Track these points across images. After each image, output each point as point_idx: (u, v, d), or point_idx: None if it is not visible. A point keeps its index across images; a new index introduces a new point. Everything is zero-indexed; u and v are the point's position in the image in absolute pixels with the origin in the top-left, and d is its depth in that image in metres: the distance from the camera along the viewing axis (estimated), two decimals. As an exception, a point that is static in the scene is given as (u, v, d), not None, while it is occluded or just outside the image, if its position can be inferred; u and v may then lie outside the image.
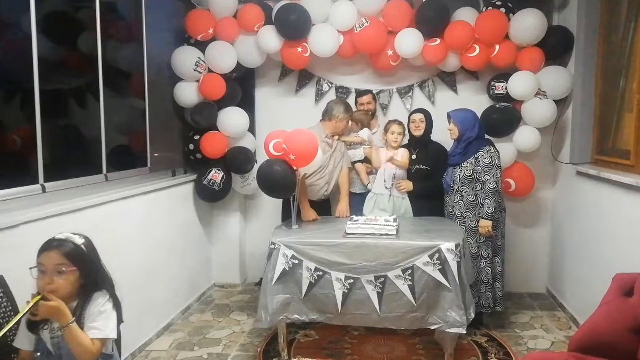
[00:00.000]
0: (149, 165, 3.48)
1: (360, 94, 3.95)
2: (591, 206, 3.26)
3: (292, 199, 3.22)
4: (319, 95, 4.22)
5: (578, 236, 3.48)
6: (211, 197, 3.91)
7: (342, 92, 4.20)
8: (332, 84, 4.22)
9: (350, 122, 3.65)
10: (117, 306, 1.73)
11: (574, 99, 3.51)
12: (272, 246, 2.91)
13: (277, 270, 2.86)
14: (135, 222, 3.13)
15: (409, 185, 3.53)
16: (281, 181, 3.06)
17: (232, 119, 3.85)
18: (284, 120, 3.92)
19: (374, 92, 4.06)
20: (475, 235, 3.34)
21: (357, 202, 3.80)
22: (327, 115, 3.60)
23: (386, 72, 4.09)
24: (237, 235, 4.37)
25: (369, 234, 2.92)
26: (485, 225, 3.24)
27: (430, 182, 3.55)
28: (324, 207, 3.72)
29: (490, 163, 3.26)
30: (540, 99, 3.55)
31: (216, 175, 3.83)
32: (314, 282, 2.84)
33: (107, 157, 2.98)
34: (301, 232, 3.09)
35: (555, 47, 3.56)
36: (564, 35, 3.55)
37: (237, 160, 3.85)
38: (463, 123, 3.35)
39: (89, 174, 2.85)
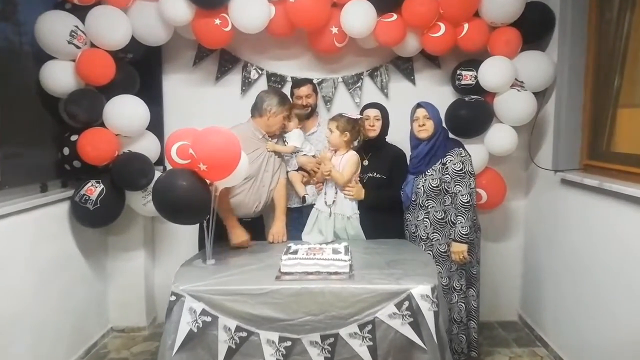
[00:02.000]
0: (-2, 179, 2.44)
1: (297, 83, 3.12)
2: (582, 221, 2.65)
3: (206, 224, 2.34)
4: (246, 84, 3.35)
5: (560, 255, 2.87)
6: (86, 219, 2.85)
7: (275, 80, 3.35)
8: (262, 70, 3.35)
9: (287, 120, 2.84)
10: None
11: (557, 91, 2.89)
12: (173, 298, 2.01)
13: (180, 333, 1.97)
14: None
15: (359, 192, 2.74)
16: (186, 201, 2.16)
17: (123, 109, 2.85)
18: (201, 116, 3.10)
19: (315, 81, 3.25)
20: (445, 262, 2.63)
21: (294, 220, 3.00)
22: (256, 109, 2.76)
23: (330, 57, 3.30)
24: (141, 265, 3.40)
25: (312, 273, 2.11)
26: (460, 250, 2.54)
27: (385, 194, 2.81)
28: (256, 227, 2.88)
29: (461, 170, 2.56)
30: (518, 90, 2.90)
31: (91, 190, 2.80)
32: (234, 347, 1.98)
33: None
34: (217, 271, 2.21)
35: (533, 27, 2.92)
36: (543, 12, 2.92)
37: (126, 170, 2.84)
38: (437, 117, 2.66)
39: None
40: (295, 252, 2.28)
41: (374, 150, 2.87)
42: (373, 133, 2.83)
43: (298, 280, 2.06)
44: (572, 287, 2.74)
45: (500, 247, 3.48)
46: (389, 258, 2.35)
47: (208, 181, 2.24)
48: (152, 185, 2.74)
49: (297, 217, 3.00)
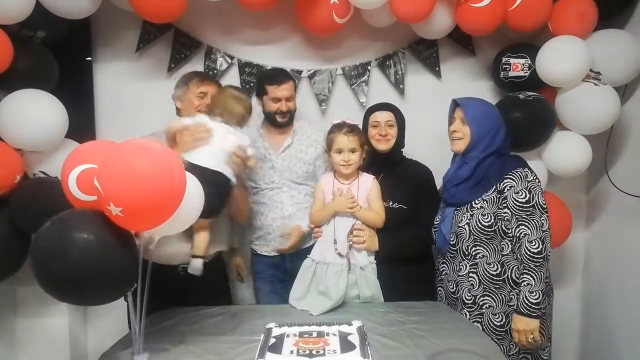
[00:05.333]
0: None
1: (273, 77, 2.14)
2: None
3: (132, 298, 1.43)
4: (211, 77, 2.44)
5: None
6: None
7: (251, 72, 2.46)
8: (232, 58, 2.46)
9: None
10: None
11: (648, 85, 2.06)
12: None
13: None
14: None
15: (372, 239, 1.88)
16: (90, 270, 1.23)
17: (24, 111, 1.94)
18: (148, 120, 2.22)
19: (305, 73, 2.40)
20: (502, 341, 1.77)
21: (267, 270, 2.19)
22: None
23: (326, 39, 2.42)
24: (65, 325, 2.44)
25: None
26: (528, 328, 1.69)
27: (410, 235, 1.96)
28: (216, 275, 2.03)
29: (528, 202, 1.73)
30: (595, 84, 2.06)
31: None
32: None
33: None
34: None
35: (614, -3, 2.09)
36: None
37: (32, 205, 1.90)
38: (481, 122, 1.81)
39: None
40: (279, 343, 1.39)
41: (388, 169, 2.03)
42: (385, 145, 2.00)
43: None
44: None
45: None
46: (430, 347, 1.46)
47: (131, 232, 1.33)
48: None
49: (280, 263, 2.14)
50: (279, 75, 2.15)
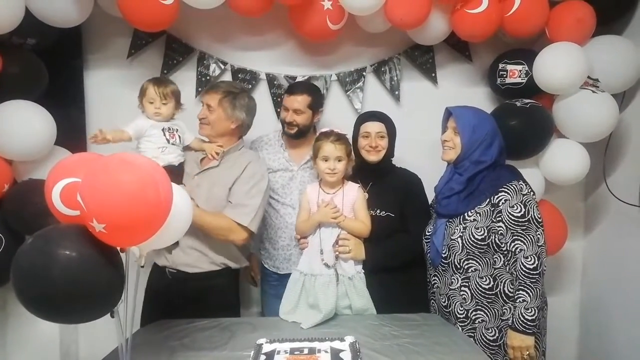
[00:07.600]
0: None
1: (290, 88, 2.18)
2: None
3: (117, 315, 1.40)
4: (204, 83, 2.42)
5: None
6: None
7: (244, 78, 2.43)
8: (225, 64, 2.43)
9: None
10: None
11: (647, 93, 2.03)
12: None
13: None
14: None
15: (358, 247, 1.86)
16: (73, 287, 1.20)
17: (11, 122, 1.92)
18: None
19: (301, 79, 2.41)
20: (495, 356, 1.74)
21: (272, 275, 2.21)
22: None
23: (321, 45, 2.40)
24: (55, 338, 2.41)
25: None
26: (523, 345, 1.67)
27: (399, 244, 1.93)
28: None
29: (523, 216, 1.70)
30: (593, 91, 2.03)
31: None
32: None
33: None
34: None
35: (613, 2, 2.06)
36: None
37: (22, 209, 1.90)
38: (473, 134, 1.77)
39: None
40: (269, 358, 1.36)
41: (377, 178, 2.00)
42: (375, 156, 1.97)
43: None
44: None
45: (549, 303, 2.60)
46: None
47: (117, 247, 1.30)
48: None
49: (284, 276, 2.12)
50: (297, 86, 2.20)
